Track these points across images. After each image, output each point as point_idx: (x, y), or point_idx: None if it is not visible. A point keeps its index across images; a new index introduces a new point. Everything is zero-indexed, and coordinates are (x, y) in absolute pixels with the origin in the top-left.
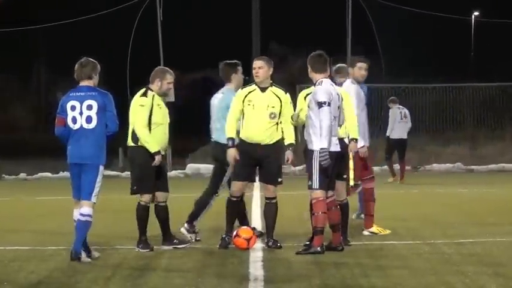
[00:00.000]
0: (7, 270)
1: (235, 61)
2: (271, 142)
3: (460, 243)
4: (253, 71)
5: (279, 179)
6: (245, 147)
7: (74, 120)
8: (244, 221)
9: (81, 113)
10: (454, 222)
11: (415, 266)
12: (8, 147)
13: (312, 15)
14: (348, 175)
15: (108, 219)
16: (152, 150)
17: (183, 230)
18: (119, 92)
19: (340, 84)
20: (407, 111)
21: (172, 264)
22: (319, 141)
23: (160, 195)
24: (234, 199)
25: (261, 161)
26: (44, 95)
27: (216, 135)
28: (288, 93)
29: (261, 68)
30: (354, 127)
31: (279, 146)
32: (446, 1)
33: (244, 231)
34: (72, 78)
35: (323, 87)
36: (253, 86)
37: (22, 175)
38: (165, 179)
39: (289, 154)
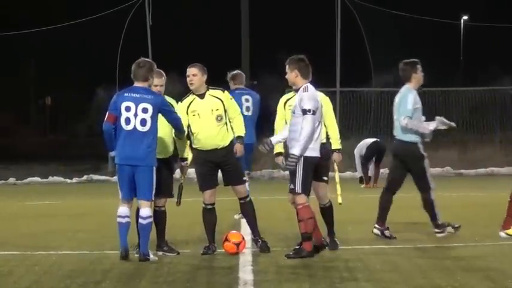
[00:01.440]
0: None
1: (414, 60)
2: (227, 144)
3: (449, 247)
4: (188, 79)
5: (244, 178)
6: (203, 155)
7: (128, 121)
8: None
9: (135, 115)
10: None
11: (405, 270)
12: None
13: (301, 19)
14: (336, 190)
15: (98, 223)
16: None
17: (446, 231)
18: (109, 96)
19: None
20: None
21: (161, 269)
22: (296, 147)
23: (156, 201)
24: (209, 207)
25: (221, 164)
26: (33, 100)
27: (398, 133)
28: (226, 91)
29: (195, 75)
30: (336, 136)
31: (233, 146)
32: (436, 5)
33: (233, 236)
34: (62, 82)
35: (310, 93)
36: (192, 96)
37: (11, 180)
38: (163, 184)
39: (237, 146)
